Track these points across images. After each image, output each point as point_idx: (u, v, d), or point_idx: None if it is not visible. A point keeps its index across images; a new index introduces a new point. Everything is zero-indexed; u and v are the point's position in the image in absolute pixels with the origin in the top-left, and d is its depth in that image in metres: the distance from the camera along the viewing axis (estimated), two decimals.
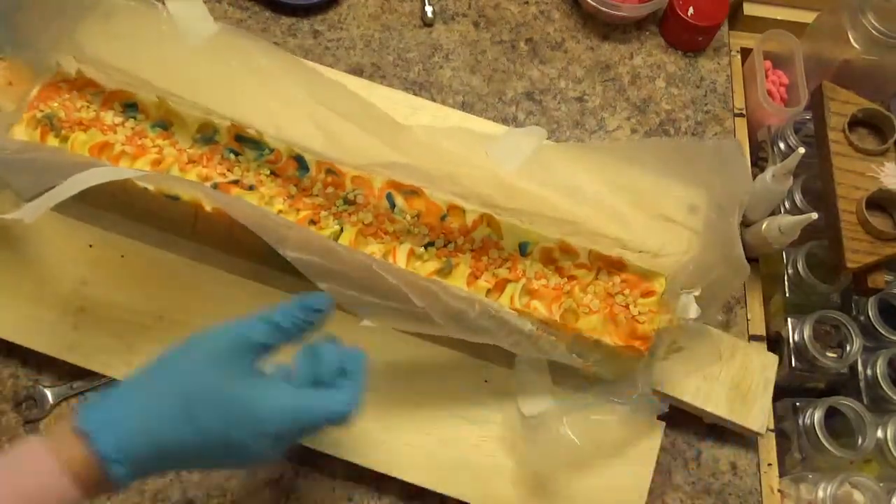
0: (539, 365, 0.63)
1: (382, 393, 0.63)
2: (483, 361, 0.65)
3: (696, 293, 0.60)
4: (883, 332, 0.71)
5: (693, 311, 0.59)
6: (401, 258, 0.61)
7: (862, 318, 0.73)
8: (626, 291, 0.61)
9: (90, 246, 0.66)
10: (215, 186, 0.63)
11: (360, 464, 0.61)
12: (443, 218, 0.63)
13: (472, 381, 0.65)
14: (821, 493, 0.65)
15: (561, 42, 0.87)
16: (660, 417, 0.64)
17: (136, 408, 0.44)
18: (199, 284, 0.65)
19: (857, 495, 0.65)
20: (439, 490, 0.61)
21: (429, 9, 0.85)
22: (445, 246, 0.62)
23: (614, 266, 0.62)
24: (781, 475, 0.69)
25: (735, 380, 0.66)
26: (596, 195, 0.62)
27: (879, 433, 0.67)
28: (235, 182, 0.63)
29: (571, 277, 0.62)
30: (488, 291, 0.61)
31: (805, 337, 0.70)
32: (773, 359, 0.68)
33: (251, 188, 0.63)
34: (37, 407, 0.63)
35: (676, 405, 0.65)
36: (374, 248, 0.61)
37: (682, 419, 0.68)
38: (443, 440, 0.63)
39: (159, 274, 0.65)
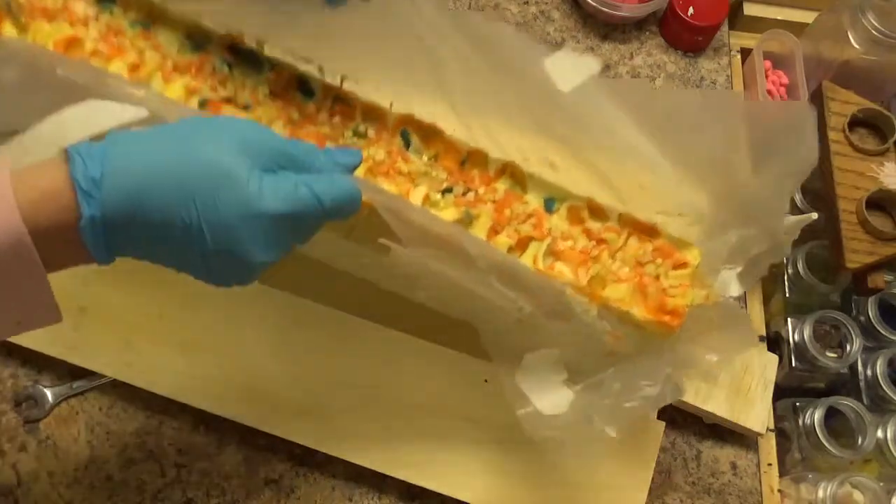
0: (551, 359, 0.58)
1: (382, 393, 0.64)
2: (483, 361, 0.65)
3: (739, 269, 0.56)
4: (883, 332, 0.71)
5: (735, 289, 0.56)
6: (416, 203, 0.55)
7: (862, 318, 0.73)
8: (658, 261, 0.57)
9: None
10: (204, 103, 0.55)
11: (360, 464, 0.61)
12: (462, 163, 0.57)
13: (472, 381, 0.65)
14: (821, 493, 0.65)
15: (561, 42, 0.87)
16: (660, 417, 0.64)
17: (132, 153, 0.38)
18: (198, 284, 0.64)
19: (857, 495, 0.65)
20: (439, 490, 0.61)
21: None
22: (465, 194, 0.56)
23: (646, 232, 0.58)
24: (781, 475, 0.69)
25: (735, 380, 0.66)
26: (637, 145, 0.57)
27: (879, 433, 0.67)
28: (228, 100, 0.56)
29: (600, 241, 0.57)
30: (510, 248, 0.56)
31: (805, 337, 0.70)
32: (773, 359, 0.67)
33: (246, 108, 0.56)
34: (37, 407, 0.63)
35: (676, 405, 0.65)
36: (385, 189, 0.54)
37: (682, 419, 0.68)
38: (443, 440, 0.62)
39: (159, 274, 0.65)
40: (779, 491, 0.68)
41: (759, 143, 0.56)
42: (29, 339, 0.62)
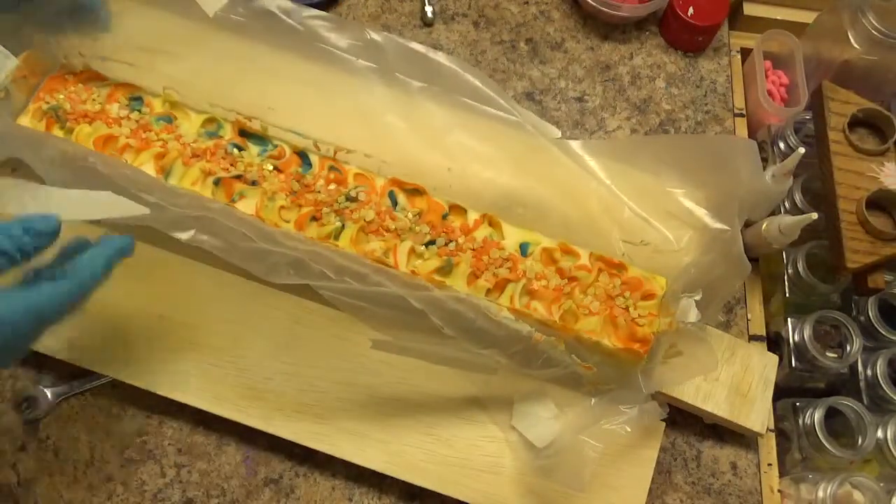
0: (538, 394, 0.63)
1: (382, 393, 0.64)
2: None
3: (697, 297, 0.60)
4: (883, 332, 0.71)
5: (693, 315, 0.59)
6: (401, 256, 0.61)
7: (862, 318, 0.73)
8: (627, 294, 0.61)
9: None
10: (218, 181, 0.63)
11: (360, 464, 0.62)
12: (444, 217, 0.63)
13: (473, 381, 0.64)
14: (821, 493, 0.65)
15: (561, 42, 0.87)
16: None
17: None
18: (199, 284, 0.65)
19: (857, 495, 0.65)
20: (439, 490, 0.61)
21: (429, 9, 0.85)
22: (446, 245, 0.62)
23: (615, 268, 0.62)
24: (781, 475, 0.69)
25: (735, 380, 0.66)
26: (597, 190, 0.62)
27: (879, 433, 0.67)
28: (238, 177, 0.63)
29: (572, 279, 0.62)
30: (488, 291, 0.61)
31: (805, 337, 0.70)
32: (773, 359, 0.68)
33: (254, 183, 0.63)
34: (37, 407, 0.63)
35: (676, 405, 0.65)
36: (374, 246, 0.61)
37: (682, 419, 0.68)
38: (442, 440, 0.63)
39: (159, 274, 0.65)
40: (779, 491, 0.68)
41: (707, 173, 0.62)
42: None
